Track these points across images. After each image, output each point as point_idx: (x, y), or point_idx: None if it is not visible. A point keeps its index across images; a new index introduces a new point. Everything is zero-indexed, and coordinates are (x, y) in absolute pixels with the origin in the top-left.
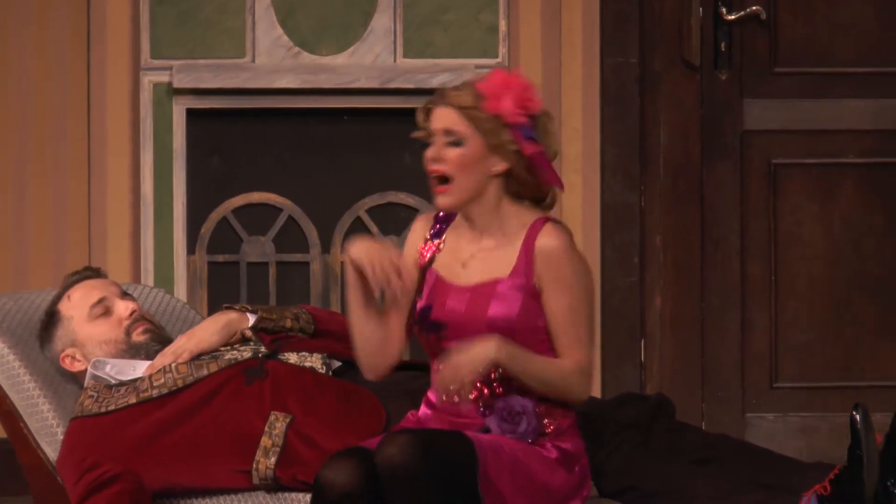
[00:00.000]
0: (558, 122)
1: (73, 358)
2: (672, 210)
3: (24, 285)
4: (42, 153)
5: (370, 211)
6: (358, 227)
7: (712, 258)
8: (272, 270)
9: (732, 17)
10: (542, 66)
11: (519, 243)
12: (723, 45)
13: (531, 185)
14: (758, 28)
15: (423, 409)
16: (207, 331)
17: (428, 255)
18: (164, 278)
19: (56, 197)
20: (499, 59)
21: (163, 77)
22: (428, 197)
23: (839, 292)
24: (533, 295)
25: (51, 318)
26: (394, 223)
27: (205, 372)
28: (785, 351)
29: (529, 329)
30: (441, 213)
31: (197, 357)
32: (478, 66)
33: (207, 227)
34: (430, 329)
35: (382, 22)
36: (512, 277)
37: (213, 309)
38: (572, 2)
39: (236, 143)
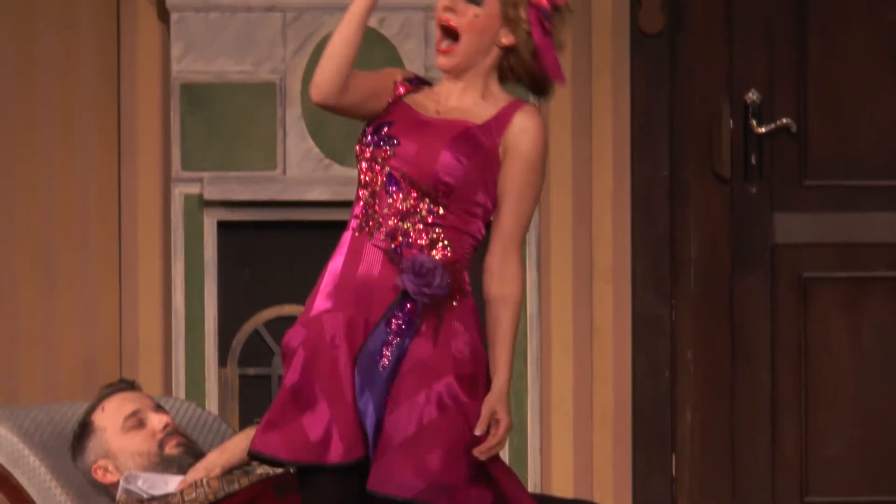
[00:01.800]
0: (588, 233)
1: (106, 469)
2: (702, 322)
3: (55, 397)
4: (72, 264)
5: None
6: None
7: (742, 370)
8: None
9: (763, 129)
10: (573, 176)
11: (497, 108)
12: (753, 157)
13: (526, 68)
14: (788, 141)
15: (322, 304)
16: (239, 445)
17: (402, 91)
18: (196, 391)
19: (87, 308)
20: None
21: (193, 188)
22: None
23: (869, 405)
24: (490, 159)
25: (84, 429)
26: None
27: (236, 486)
28: (815, 463)
29: (466, 192)
30: (420, 77)
31: (228, 472)
32: None
33: (238, 340)
34: (380, 142)
35: None
36: (481, 129)
37: (244, 422)
38: (602, 112)
39: (267, 255)
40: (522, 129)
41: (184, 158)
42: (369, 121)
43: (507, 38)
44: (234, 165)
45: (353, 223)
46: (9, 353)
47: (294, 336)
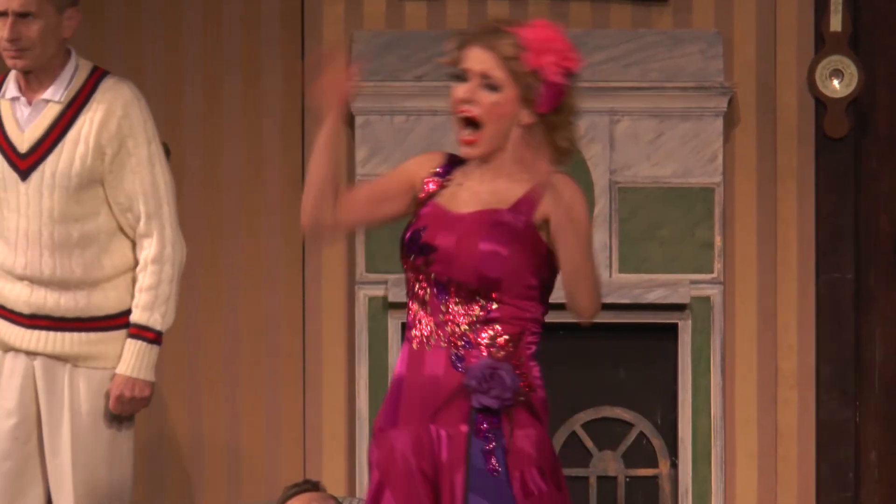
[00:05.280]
0: (773, 338)
1: None
2: (887, 426)
3: (239, 498)
4: (257, 367)
5: (585, 426)
6: (573, 442)
7: None
8: None
9: None
10: (758, 282)
11: (530, 185)
12: None
13: (548, 141)
14: None
15: (388, 417)
16: None
17: (432, 188)
18: None
19: (271, 411)
20: (714, 275)
21: (378, 291)
22: (644, 412)
23: None
24: (528, 238)
25: None
26: (608, 438)
27: None
28: None
29: (515, 279)
30: (452, 156)
31: None
32: (693, 282)
33: None
34: (419, 251)
35: (598, 237)
36: (511, 212)
37: None
38: (788, 218)
39: None
40: (553, 196)
41: (368, 261)
42: (405, 228)
43: (528, 118)
44: None
45: (410, 335)
46: (195, 453)
47: (371, 452)
